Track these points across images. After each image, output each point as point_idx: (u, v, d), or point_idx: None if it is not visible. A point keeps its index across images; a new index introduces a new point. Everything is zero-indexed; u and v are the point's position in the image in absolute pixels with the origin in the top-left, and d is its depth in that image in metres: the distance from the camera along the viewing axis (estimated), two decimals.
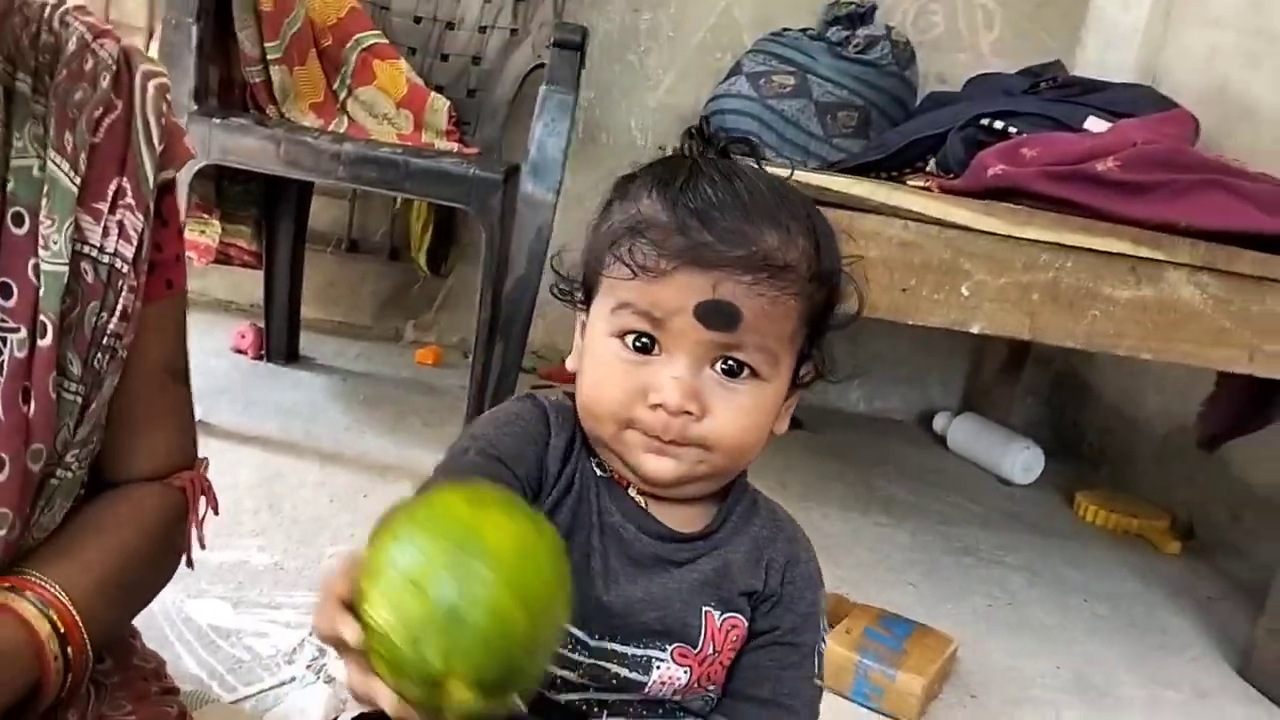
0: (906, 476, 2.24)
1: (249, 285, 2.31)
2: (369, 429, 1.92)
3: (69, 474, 0.72)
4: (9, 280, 0.67)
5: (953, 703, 1.36)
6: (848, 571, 1.64)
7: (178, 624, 1.19)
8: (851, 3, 2.25)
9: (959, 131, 1.88)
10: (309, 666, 1.17)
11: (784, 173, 0.74)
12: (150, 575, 0.79)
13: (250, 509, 1.46)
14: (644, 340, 0.67)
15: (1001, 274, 1.27)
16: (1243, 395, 1.72)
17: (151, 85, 0.74)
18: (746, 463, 0.71)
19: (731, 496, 0.74)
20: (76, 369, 0.70)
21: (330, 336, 2.41)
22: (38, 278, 0.67)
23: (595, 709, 0.70)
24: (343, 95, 1.93)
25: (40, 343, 0.67)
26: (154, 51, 1.76)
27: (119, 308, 0.72)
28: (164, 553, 0.80)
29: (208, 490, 0.83)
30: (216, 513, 0.84)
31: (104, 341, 0.71)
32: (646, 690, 0.70)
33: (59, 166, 0.68)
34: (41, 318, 0.67)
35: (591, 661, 0.69)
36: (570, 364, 0.74)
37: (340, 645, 0.52)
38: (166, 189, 0.77)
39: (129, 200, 0.72)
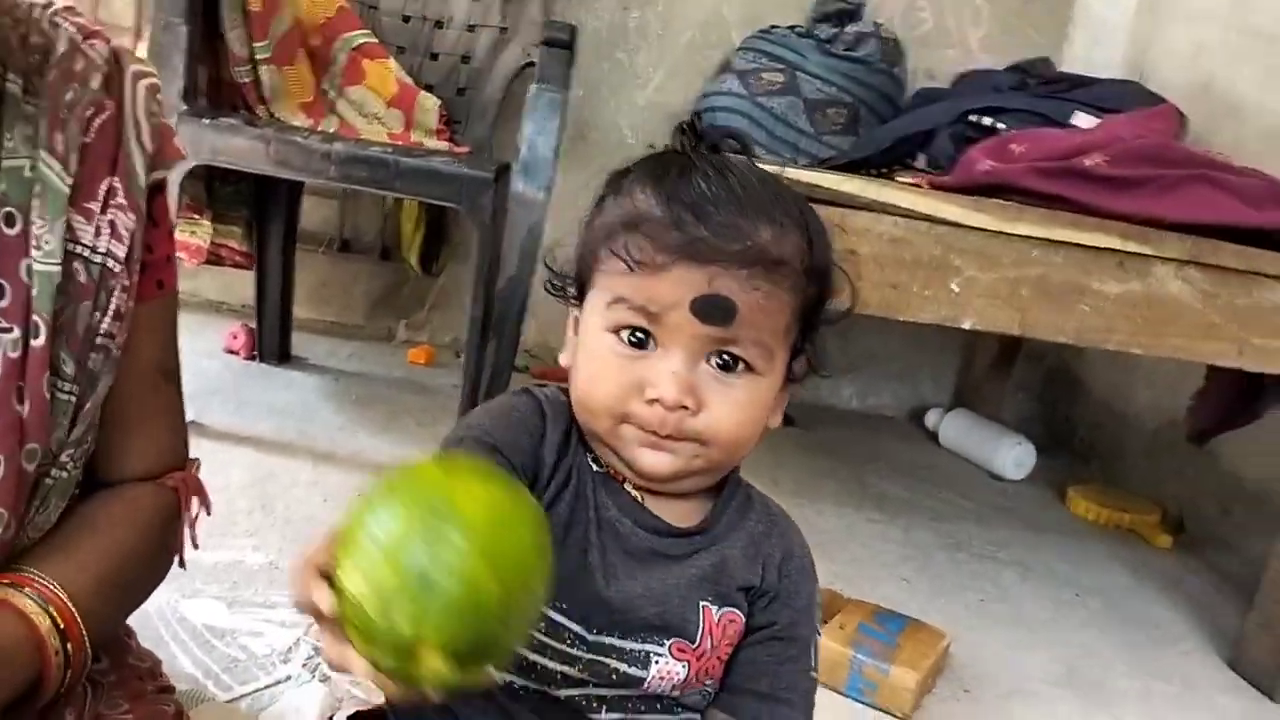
0: (899, 473, 2.24)
1: (240, 286, 2.30)
2: (362, 429, 1.92)
3: (64, 473, 0.72)
4: (1, 281, 0.67)
5: (946, 697, 1.36)
6: (841, 567, 1.64)
7: (173, 624, 1.19)
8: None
9: (948, 128, 1.88)
10: (304, 665, 1.17)
11: (774, 170, 0.74)
12: (145, 574, 0.80)
13: (244, 509, 1.46)
14: (639, 335, 0.67)
15: (991, 270, 1.28)
16: (1232, 389, 1.73)
17: (142, 85, 0.74)
18: (741, 457, 0.72)
19: (726, 491, 0.75)
20: (70, 369, 0.70)
21: (322, 336, 2.41)
22: (30, 278, 0.68)
23: (594, 704, 0.70)
24: (332, 95, 1.93)
25: (34, 343, 0.68)
26: (143, 52, 1.75)
27: (112, 307, 0.72)
28: (158, 552, 0.80)
29: (200, 490, 0.84)
30: (209, 513, 0.84)
31: (97, 341, 0.72)
32: (645, 685, 0.70)
33: (50, 167, 0.68)
34: (35, 317, 0.68)
35: (591, 657, 0.69)
36: (563, 359, 0.74)
37: (316, 614, 0.52)
38: (157, 189, 0.77)
39: (120, 200, 0.72)
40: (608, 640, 0.69)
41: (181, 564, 0.83)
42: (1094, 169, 1.54)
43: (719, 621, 0.72)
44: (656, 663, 0.70)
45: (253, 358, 2.17)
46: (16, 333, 0.67)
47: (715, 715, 0.74)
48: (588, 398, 0.69)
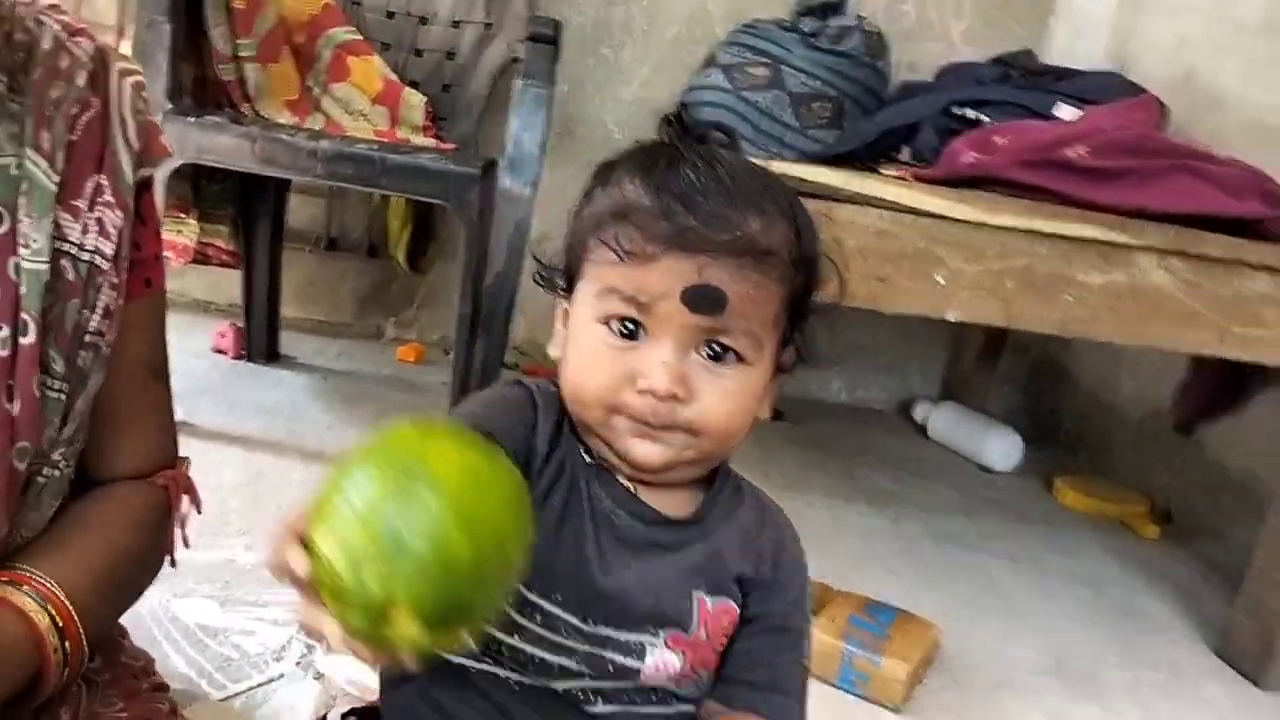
0: (888, 465, 2.25)
1: (227, 285, 2.30)
2: (351, 427, 1.92)
3: (57, 472, 0.72)
4: None
5: (937, 687, 1.37)
6: (831, 560, 1.65)
7: (165, 624, 1.19)
8: None
9: (931, 121, 1.90)
10: (298, 663, 1.17)
11: (761, 164, 0.75)
12: (138, 572, 0.80)
13: (235, 508, 1.46)
14: (629, 326, 0.67)
15: (976, 261, 1.28)
16: (1215, 379, 1.75)
17: (128, 83, 0.74)
18: (732, 447, 0.72)
19: (717, 482, 0.75)
20: (60, 367, 0.70)
21: (310, 335, 2.41)
22: (18, 276, 0.67)
23: (591, 697, 0.70)
24: (317, 92, 1.93)
25: (23, 341, 0.67)
26: (127, 50, 1.74)
27: (101, 305, 0.72)
28: (151, 550, 0.80)
29: (190, 489, 0.84)
30: (199, 511, 0.84)
31: (86, 339, 0.72)
32: (642, 677, 0.70)
33: (37, 165, 0.68)
34: (24, 315, 0.67)
35: (588, 649, 0.69)
36: (552, 351, 0.74)
37: (290, 577, 0.52)
38: (144, 187, 0.77)
39: (107, 197, 0.72)
40: (604, 632, 0.69)
41: (173, 562, 0.83)
42: (1076, 160, 1.55)
43: (713, 612, 0.72)
44: (652, 653, 0.70)
45: (241, 357, 2.16)
46: (5, 331, 0.67)
47: (711, 706, 0.75)
48: (579, 389, 0.69)
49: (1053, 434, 2.54)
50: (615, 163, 0.71)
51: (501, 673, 0.70)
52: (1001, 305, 1.30)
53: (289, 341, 2.26)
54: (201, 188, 1.96)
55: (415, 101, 1.93)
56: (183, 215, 1.94)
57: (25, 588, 0.68)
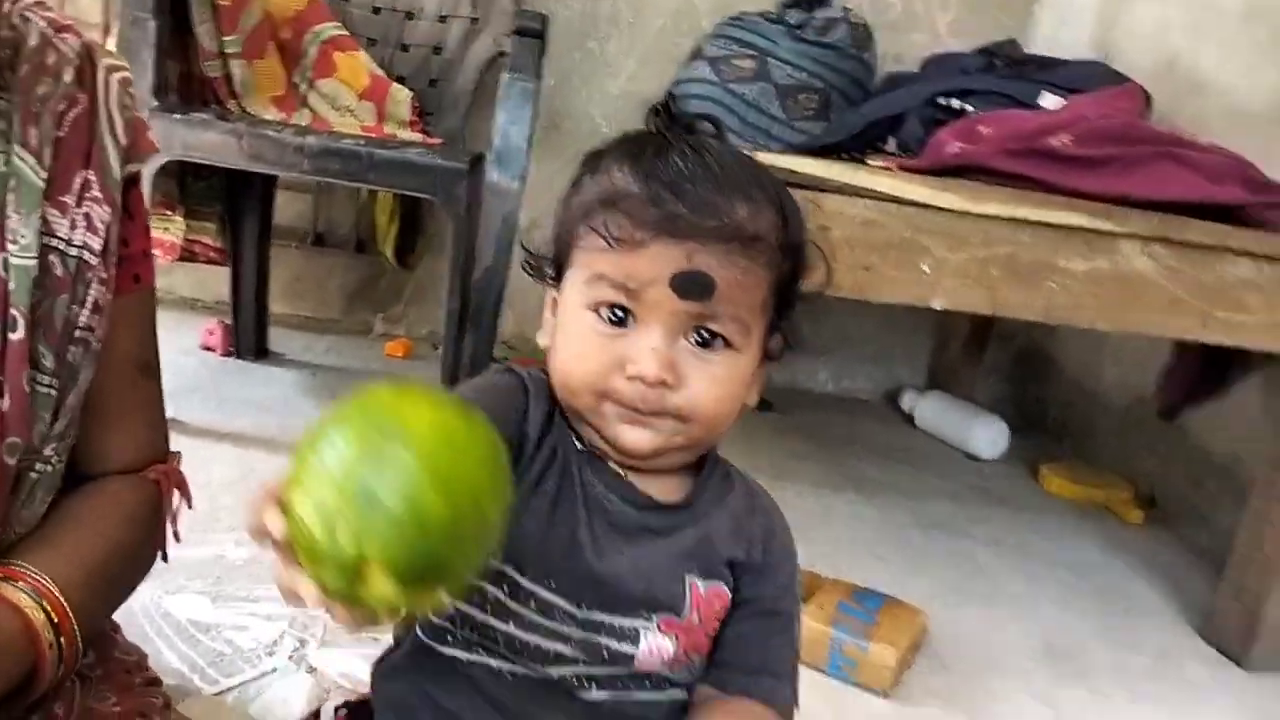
0: (875, 454, 2.26)
1: (214, 282, 2.29)
2: None
3: (49, 468, 0.72)
4: None
5: (925, 672, 1.38)
6: (820, 548, 1.66)
7: (157, 620, 1.19)
8: None
9: (917, 111, 1.90)
10: (290, 657, 1.17)
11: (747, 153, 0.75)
12: (131, 567, 0.80)
13: (226, 505, 1.46)
14: (619, 313, 0.67)
15: (961, 249, 1.29)
16: (1198, 364, 1.77)
17: (115, 79, 0.74)
18: (721, 433, 0.72)
19: (706, 468, 0.76)
20: (50, 362, 0.71)
21: (299, 331, 2.41)
22: (7, 272, 0.68)
23: (586, 683, 0.71)
24: (303, 88, 1.93)
25: (12, 336, 0.68)
26: (111, 48, 1.74)
27: (89, 300, 0.72)
28: (143, 544, 0.80)
29: (181, 483, 0.84)
30: (190, 506, 0.84)
31: (76, 334, 0.72)
32: (636, 662, 0.71)
33: (24, 161, 0.68)
34: (13, 311, 0.68)
35: (582, 635, 0.70)
36: (541, 340, 0.75)
37: (268, 539, 0.52)
38: (132, 183, 0.77)
39: (95, 193, 0.72)
40: (597, 617, 0.70)
41: (164, 557, 0.83)
42: (1060, 149, 1.56)
43: (705, 596, 0.73)
44: (645, 638, 0.71)
45: (229, 354, 2.16)
46: None
47: (704, 691, 0.75)
48: (568, 376, 0.70)
49: (1038, 422, 2.56)
50: (604, 151, 0.71)
51: (495, 663, 0.70)
52: (986, 293, 1.31)
53: (277, 338, 2.26)
54: (188, 185, 1.95)
55: (402, 97, 1.93)
56: (169, 213, 1.94)
57: (20, 583, 0.68)
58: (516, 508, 0.69)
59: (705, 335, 0.68)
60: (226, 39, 1.79)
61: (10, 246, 0.68)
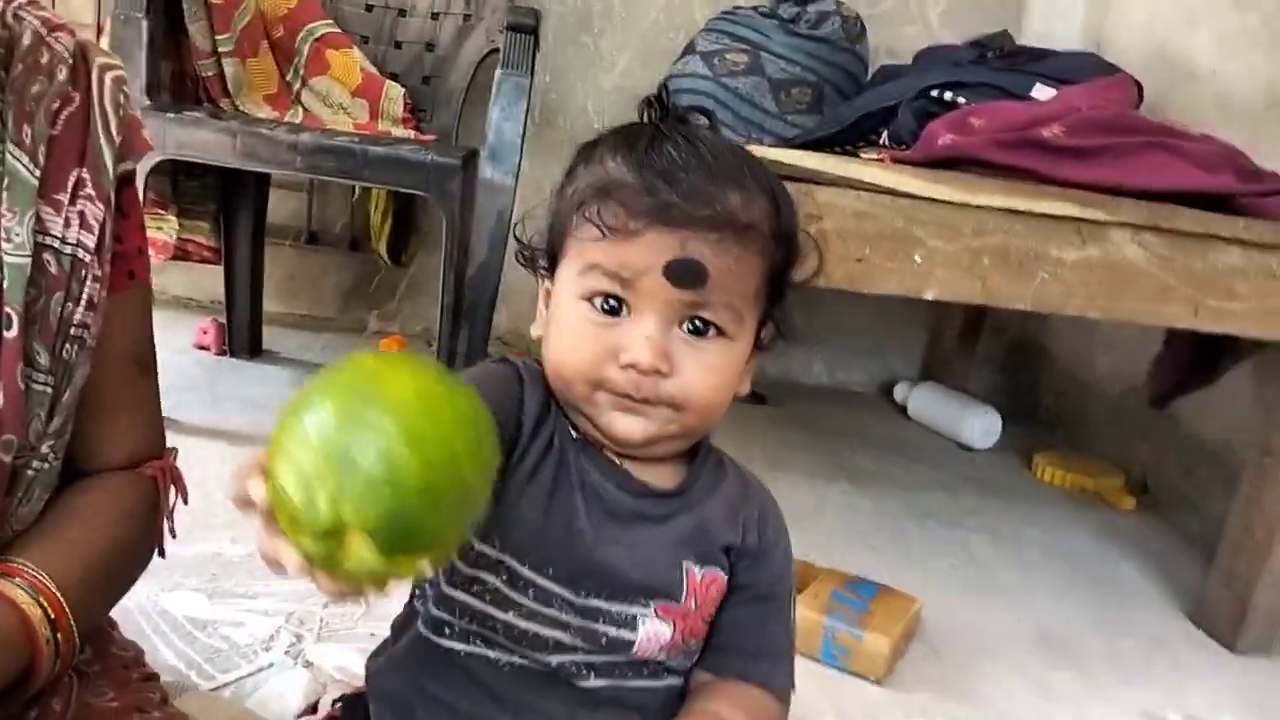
0: (870, 446, 2.27)
1: (208, 281, 2.29)
2: None
3: (45, 465, 0.73)
4: None
5: (918, 660, 1.39)
6: (814, 538, 1.66)
7: (154, 617, 1.20)
8: None
9: (909, 103, 1.90)
10: (287, 652, 1.17)
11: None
12: (128, 563, 0.80)
13: (221, 502, 1.45)
14: (612, 302, 0.68)
15: (953, 240, 1.30)
16: (1188, 352, 1.78)
17: (109, 78, 0.75)
18: (714, 422, 0.73)
19: (699, 456, 0.77)
20: (45, 360, 0.71)
21: (293, 330, 2.41)
22: (1, 270, 0.68)
23: (584, 671, 0.72)
24: (296, 86, 1.93)
25: (6, 334, 0.68)
26: (104, 47, 1.74)
27: (84, 297, 0.72)
28: (141, 540, 0.81)
29: (178, 479, 0.84)
30: (186, 502, 0.85)
31: (71, 332, 0.72)
32: (635, 649, 0.72)
33: (18, 159, 0.69)
34: (7, 309, 0.68)
35: (581, 622, 0.70)
36: (535, 331, 0.75)
37: (250, 507, 0.52)
38: (126, 181, 0.78)
39: (89, 191, 0.72)
40: (595, 604, 0.70)
41: (161, 553, 0.84)
42: (1052, 139, 1.57)
43: (702, 581, 0.74)
44: (644, 624, 0.71)
45: (224, 353, 2.16)
46: None
47: (700, 675, 0.76)
48: (561, 365, 0.70)
49: (1031, 411, 2.57)
50: (597, 142, 0.72)
51: (493, 654, 0.71)
52: (978, 283, 1.32)
53: (272, 337, 2.26)
54: (181, 184, 1.95)
55: (395, 94, 1.94)
56: (163, 212, 1.94)
57: (17, 579, 0.68)
58: (513, 496, 0.69)
59: (699, 324, 0.68)
60: (219, 38, 1.79)
61: (4, 245, 0.68)
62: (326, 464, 0.49)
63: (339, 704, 0.84)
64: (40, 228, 0.70)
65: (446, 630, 0.72)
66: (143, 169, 1.47)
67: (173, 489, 0.84)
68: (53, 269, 0.71)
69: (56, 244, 0.71)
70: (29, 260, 0.69)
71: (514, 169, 1.75)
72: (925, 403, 2.49)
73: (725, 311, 0.69)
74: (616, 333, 0.68)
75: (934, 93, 1.92)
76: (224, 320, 2.16)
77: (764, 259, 0.70)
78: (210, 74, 1.81)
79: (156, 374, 0.84)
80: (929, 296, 1.32)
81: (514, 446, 0.70)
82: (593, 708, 0.72)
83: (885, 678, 1.32)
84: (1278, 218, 1.47)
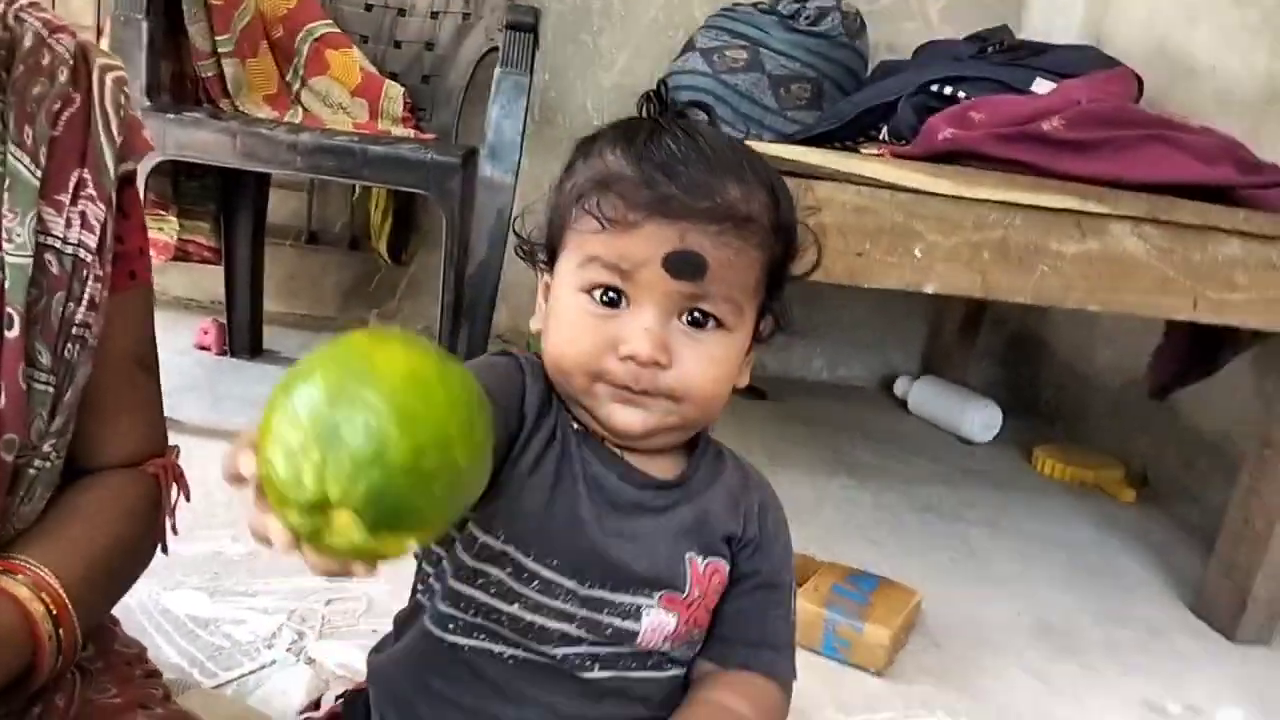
0: (870, 440, 2.28)
1: (209, 282, 2.30)
2: None
3: (47, 464, 0.73)
4: None
5: (918, 652, 1.40)
6: (814, 532, 1.67)
7: (155, 616, 1.20)
8: None
9: (909, 99, 1.90)
10: (289, 649, 1.18)
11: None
12: (130, 561, 0.81)
13: (222, 501, 1.47)
14: (612, 295, 0.68)
15: (952, 234, 1.30)
16: (1189, 345, 1.78)
17: (109, 78, 0.75)
18: (714, 414, 0.73)
19: (699, 448, 0.77)
20: (46, 359, 0.71)
21: (294, 330, 2.41)
22: (2, 270, 0.68)
23: (589, 663, 0.72)
24: (296, 86, 1.93)
25: (8, 334, 0.68)
26: (104, 48, 1.74)
27: (85, 297, 0.72)
28: (143, 538, 0.81)
29: (180, 477, 0.84)
30: (188, 499, 0.85)
31: (72, 331, 0.72)
32: (639, 640, 0.72)
33: (20, 160, 0.69)
34: (8, 309, 0.68)
35: (585, 613, 0.70)
36: (534, 325, 0.75)
37: (239, 480, 0.52)
38: (127, 181, 0.78)
39: (90, 191, 0.72)
40: (599, 594, 0.71)
41: (164, 550, 0.84)
42: (1051, 133, 1.57)
43: (705, 571, 0.74)
44: (648, 615, 0.72)
45: (224, 353, 2.16)
46: None
47: (703, 665, 0.77)
48: (560, 357, 0.70)
49: (1031, 405, 2.57)
50: (596, 136, 0.72)
51: (497, 648, 0.71)
52: (978, 276, 1.32)
53: (272, 337, 2.26)
54: (181, 185, 1.96)
55: (394, 93, 1.94)
56: (163, 212, 1.94)
57: (19, 576, 0.68)
58: (516, 488, 0.70)
59: (698, 316, 0.69)
60: (219, 38, 1.80)
61: (6, 245, 0.69)
62: (312, 439, 0.49)
63: (341, 700, 0.84)
64: (42, 228, 0.70)
65: (451, 625, 0.72)
66: (143, 169, 1.47)
67: (175, 486, 0.84)
68: (54, 269, 0.71)
69: (58, 244, 0.71)
70: (30, 260, 0.69)
71: (514, 167, 1.75)
72: (925, 397, 2.49)
73: (724, 303, 0.69)
74: (616, 324, 0.68)
75: (934, 88, 1.92)
76: (224, 320, 2.17)
77: (763, 251, 0.70)
78: (210, 74, 1.82)
79: (158, 373, 0.84)
80: (929, 290, 1.32)
81: (516, 438, 0.71)
82: (597, 699, 0.73)
83: (885, 669, 1.32)
84: (1277, 209, 1.47)
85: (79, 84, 0.73)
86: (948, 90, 1.91)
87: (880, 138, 1.96)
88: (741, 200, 0.68)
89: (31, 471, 0.72)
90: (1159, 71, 2.07)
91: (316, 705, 0.89)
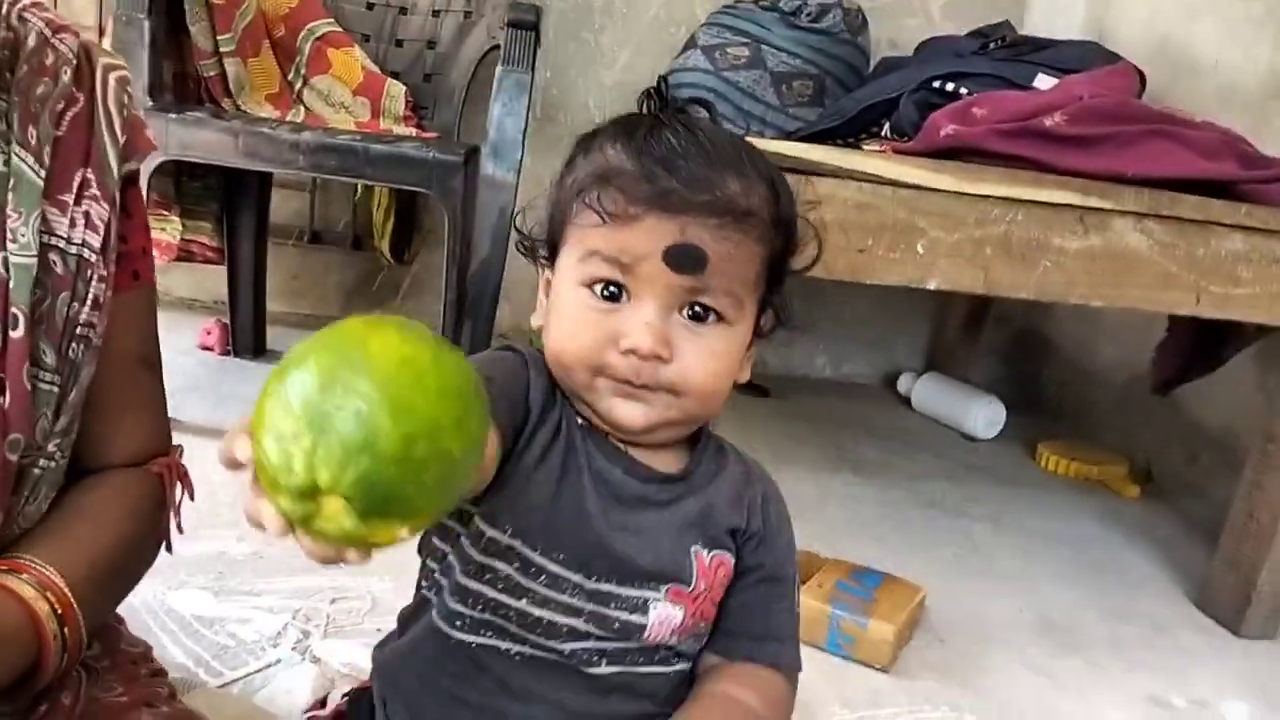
0: (874, 437, 2.28)
1: (212, 282, 2.30)
2: None
3: (51, 464, 0.73)
4: None
5: (923, 647, 1.40)
6: (819, 528, 1.67)
7: (160, 615, 1.20)
8: None
9: (911, 95, 1.90)
10: (294, 648, 1.18)
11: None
12: (135, 559, 0.81)
13: (226, 501, 1.47)
14: (613, 289, 0.68)
15: (955, 230, 1.30)
16: (1192, 340, 1.78)
17: (112, 78, 0.75)
18: (715, 408, 0.73)
19: (701, 442, 0.77)
20: (51, 359, 0.71)
21: (297, 329, 2.41)
22: (7, 270, 0.69)
23: (596, 659, 0.72)
24: (298, 85, 1.93)
25: (12, 334, 0.69)
26: (106, 48, 1.75)
27: (90, 297, 0.73)
28: (147, 536, 0.81)
29: (184, 476, 0.85)
30: (192, 498, 0.85)
31: (77, 331, 0.73)
32: (647, 633, 0.72)
33: (24, 160, 0.69)
34: (13, 309, 0.69)
35: (593, 607, 0.71)
36: (535, 321, 0.76)
37: (235, 465, 0.52)
38: (130, 181, 0.78)
39: (94, 191, 0.73)
40: (606, 587, 0.71)
41: (168, 548, 0.84)
42: (1053, 128, 1.56)
43: (710, 565, 0.74)
44: (655, 608, 0.72)
45: (228, 353, 2.17)
46: None
47: (708, 659, 0.77)
48: (561, 352, 0.71)
49: (1035, 401, 2.57)
50: (597, 132, 0.73)
51: (504, 645, 0.71)
52: (981, 272, 1.32)
53: (276, 336, 2.26)
54: (183, 185, 1.96)
55: (396, 92, 1.94)
56: (166, 213, 1.94)
57: (24, 576, 0.69)
58: (521, 482, 0.70)
59: (698, 310, 0.69)
60: (221, 38, 1.80)
61: (10, 245, 0.69)
62: (305, 426, 0.49)
63: (346, 699, 0.84)
64: (46, 228, 0.71)
65: (459, 622, 0.72)
66: (146, 169, 1.48)
67: (179, 485, 0.84)
68: (59, 269, 0.71)
69: (62, 244, 0.71)
70: (35, 260, 0.69)
71: (516, 165, 1.75)
72: (929, 393, 2.49)
73: (725, 297, 0.69)
74: (616, 319, 0.68)
75: (936, 84, 1.92)
76: (228, 320, 2.17)
77: (763, 246, 0.70)
78: (212, 74, 1.82)
79: (161, 372, 0.85)
80: (932, 287, 1.32)
81: (521, 431, 0.71)
82: (604, 695, 0.73)
83: (890, 665, 1.32)
84: None
85: (82, 84, 0.73)
86: (950, 86, 1.91)
87: (882, 134, 1.96)
88: (741, 194, 0.68)
89: (36, 471, 0.72)
90: (1161, 66, 2.07)
91: (322, 704, 0.89)
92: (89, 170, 0.73)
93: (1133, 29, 2.29)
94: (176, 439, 0.87)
